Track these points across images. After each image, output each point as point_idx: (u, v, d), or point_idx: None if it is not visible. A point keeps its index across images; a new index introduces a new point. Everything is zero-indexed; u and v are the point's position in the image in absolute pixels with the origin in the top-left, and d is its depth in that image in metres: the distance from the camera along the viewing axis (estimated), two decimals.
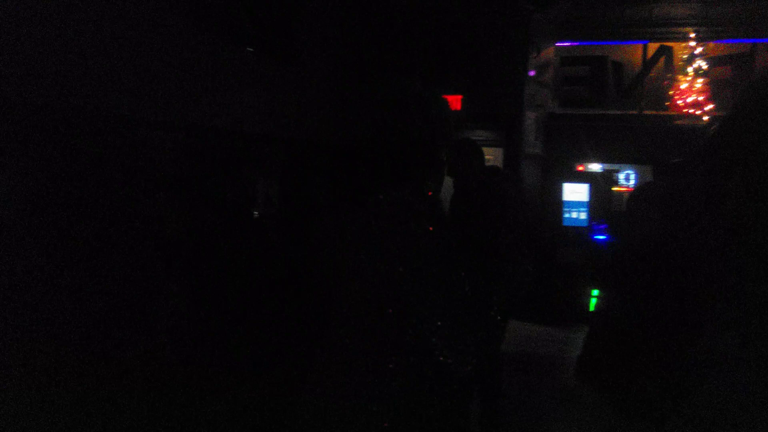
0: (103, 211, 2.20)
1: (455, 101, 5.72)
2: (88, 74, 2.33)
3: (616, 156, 6.67)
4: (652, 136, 6.38)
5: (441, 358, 1.47)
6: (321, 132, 4.87)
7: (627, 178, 6.96)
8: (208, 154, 3.10)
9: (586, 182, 5.92)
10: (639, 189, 2.43)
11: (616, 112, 6.75)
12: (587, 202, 5.80)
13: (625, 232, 2.36)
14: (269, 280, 2.80)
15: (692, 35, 6.45)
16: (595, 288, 5.08)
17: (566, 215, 5.87)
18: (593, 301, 5.06)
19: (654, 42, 6.78)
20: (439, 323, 1.44)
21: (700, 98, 6.38)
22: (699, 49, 6.43)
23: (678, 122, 6.43)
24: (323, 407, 1.49)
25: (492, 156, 6.09)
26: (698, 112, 6.36)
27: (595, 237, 5.60)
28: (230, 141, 3.33)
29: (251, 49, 4.33)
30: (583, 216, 5.80)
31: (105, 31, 2.42)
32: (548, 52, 6.81)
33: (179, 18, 3.21)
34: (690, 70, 6.47)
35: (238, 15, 3.88)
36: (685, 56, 6.53)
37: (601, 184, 6.01)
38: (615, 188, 6.76)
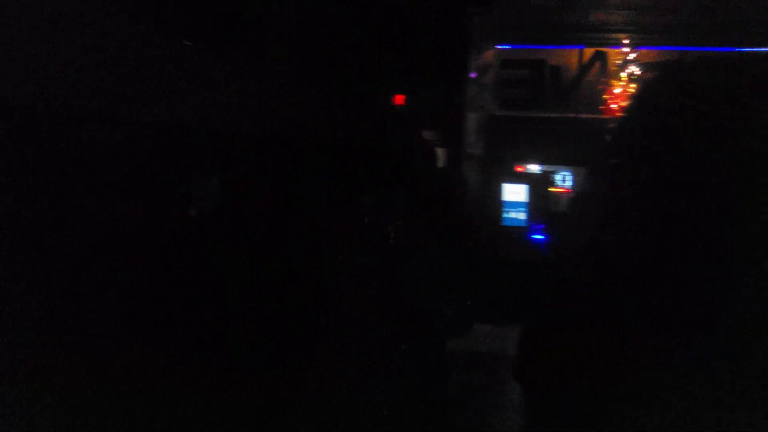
0: (23, 211, 2.07)
1: (399, 100, 5.73)
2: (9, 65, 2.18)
3: (553, 157, 6.84)
4: (588, 139, 6.57)
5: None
6: (272, 128, 4.76)
7: (564, 179, 7.15)
8: (140, 150, 2.97)
9: (525, 183, 6.05)
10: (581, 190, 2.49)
11: (554, 114, 6.93)
12: (526, 202, 5.93)
13: (567, 231, 2.41)
14: (203, 279, 2.71)
15: (625, 41, 6.69)
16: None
17: (506, 215, 5.98)
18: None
19: (590, 47, 6.99)
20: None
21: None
22: (632, 55, 6.68)
23: (613, 125, 6.64)
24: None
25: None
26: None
27: (534, 237, 5.73)
28: (164, 136, 3.21)
29: (189, 44, 4.20)
30: (522, 216, 5.92)
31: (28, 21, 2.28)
32: (489, 55, 6.91)
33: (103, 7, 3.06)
34: (624, 75, 6.71)
35: (181, 7, 3.74)
36: (619, 62, 6.77)
37: (539, 185, 6.15)
38: (552, 189, 6.93)
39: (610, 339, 0.79)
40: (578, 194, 6.60)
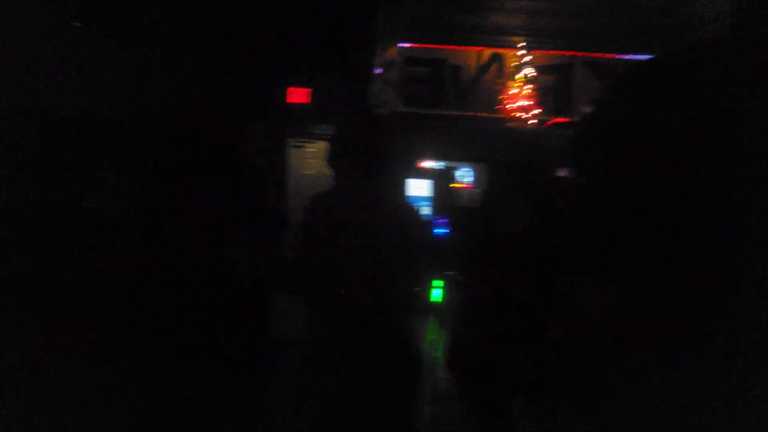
0: None
1: (304, 94, 5.66)
2: None
3: (454, 154, 7.04)
4: (487, 137, 6.82)
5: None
6: (173, 117, 4.53)
7: (465, 175, 7.38)
8: (27, 142, 2.74)
9: (429, 178, 6.18)
10: (498, 188, 2.56)
11: (454, 112, 7.13)
12: (430, 197, 6.06)
13: (485, 226, 2.48)
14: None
15: (521, 44, 7.00)
16: (436, 279, 5.30)
17: None
18: (434, 292, 5.28)
19: (488, 48, 7.25)
20: None
21: (528, 103, 6.95)
22: (527, 58, 7.00)
23: (509, 124, 6.95)
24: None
25: None
26: (526, 116, 6.93)
27: (437, 231, 5.86)
28: (54, 125, 2.97)
29: (78, 24, 3.91)
30: (427, 211, 6.05)
31: None
32: (392, 51, 6.99)
33: None
34: (519, 76, 7.02)
35: None
36: (515, 63, 7.07)
37: (442, 181, 6.30)
38: (453, 185, 7.13)
39: (525, 329, 0.82)
40: (484, 190, 6.85)
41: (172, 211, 2.73)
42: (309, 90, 5.71)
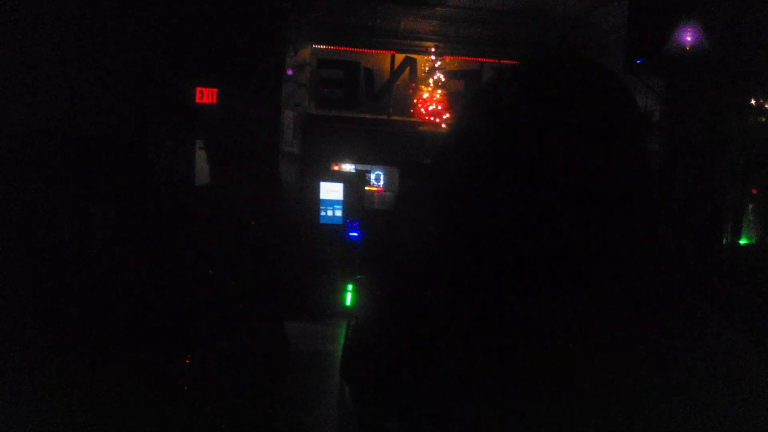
0: None
1: (210, 94, 5.49)
2: None
3: (367, 157, 7.06)
4: (399, 140, 6.89)
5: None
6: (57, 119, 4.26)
7: (377, 179, 7.41)
8: None
9: (341, 182, 6.15)
10: (406, 189, 2.57)
11: (367, 115, 7.15)
12: (342, 200, 6.04)
13: (391, 229, 2.48)
14: None
15: (432, 50, 7.12)
16: (349, 283, 5.29)
17: (323, 213, 6.03)
18: (347, 296, 5.27)
19: (400, 53, 7.33)
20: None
21: (439, 107, 7.07)
22: (438, 63, 7.13)
23: (421, 128, 7.05)
24: None
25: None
26: (438, 120, 7.05)
27: (350, 234, 5.86)
28: None
29: None
30: (339, 214, 6.03)
31: None
32: (305, 53, 6.92)
33: None
34: (431, 81, 7.14)
35: None
36: (426, 68, 7.18)
37: (354, 184, 6.30)
38: (367, 188, 7.15)
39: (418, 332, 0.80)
40: (396, 193, 6.89)
41: (71, 216, 2.59)
42: (215, 90, 5.54)
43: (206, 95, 5.75)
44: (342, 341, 4.92)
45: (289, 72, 6.33)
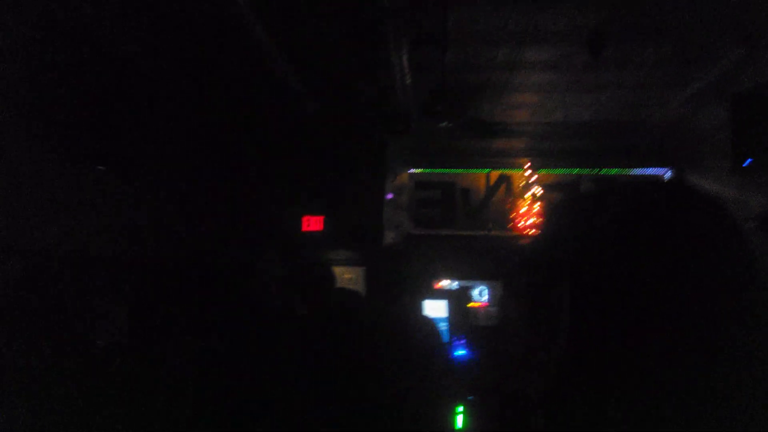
0: None
1: (318, 222, 5.82)
2: None
3: (468, 273, 7.06)
4: (499, 254, 6.87)
5: None
6: (173, 253, 4.66)
7: (480, 294, 7.33)
8: (49, 281, 2.83)
9: (444, 299, 6.13)
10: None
11: (465, 232, 7.25)
12: (447, 317, 5.98)
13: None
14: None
15: (527, 165, 7.24)
16: (460, 404, 5.11)
17: None
18: (457, 419, 5.07)
19: (495, 170, 7.51)
20: None
21: (538, 220, 7.06)
22: (534, 178, 7.21)
23: (521, 241, 7.01)
24: None
25: (353, 275, 6.16)
26: (537, 232, 6.99)
27: (456, 353, 5.74)
28: (74, 266, 3.08)
29: (102, 168, 4.14)
30: (444, 330, 5.95)
31: None
32: (403, 177, 7.26)
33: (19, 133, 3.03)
34: (527, 195, 7.20)
35: (83, 132, 3.74)
36: (522, 183, 7.27)
37: (457, 300, 6.25)
38: (470, 304, 7.07)
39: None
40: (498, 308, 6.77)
41: (185, 344, 2.75)
42: (322, 217, 5.89)
43: (313, 223, 6.11)
44: None
45: (389, 196, 6.63)
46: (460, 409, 4.97)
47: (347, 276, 5.97)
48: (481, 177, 7.61)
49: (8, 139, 2.95)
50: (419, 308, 2.76)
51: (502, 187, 7.46)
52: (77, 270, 3.16)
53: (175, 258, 4.56)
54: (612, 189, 0.76)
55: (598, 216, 0.72)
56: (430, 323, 2.63)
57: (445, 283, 6.92)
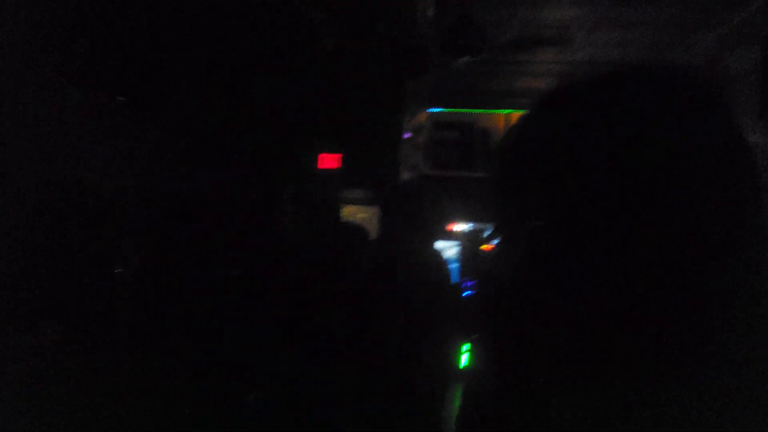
0: None
1: (335, 160, 5.82)
2: None
3: (483, 216, 7.05)
4: None
5: None
6: (187, 187, 4.71)
7: (491, 237, 7.35)
8: (64, 212, 2.89)
9: (458, 240, 6.18)
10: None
11: (482, 174, 7.19)
12: (459, 259, 6.05)
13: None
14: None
15: None
16: (465, 343, 5.21)
17: None
18: (461, 357, 5.18)
19: (515, 112, 7.36)
20: None
21: None
22: None
23: None
24: None
25: (367, 213, 6.21)
26: None
27: (465, 294, 5.81)
28: (89, 197, 3.14)
29: (123, 99, 4.14)
30: (455, 272, 6.02)
31: None
32: (421, 117, 7.16)
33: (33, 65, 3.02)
34: None
35: (102, 62, 3.71)
36: None
37: (469, 243, 6.29)
38: (482, 246, 7.10)
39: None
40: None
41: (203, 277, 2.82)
42: (340, 155, 5.87)
43: (327, 161, 6.09)
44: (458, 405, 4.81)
45: (407, 135, 6.57)
46: (466, 347, 5.08)
47: (361, 215, 6.02)
48: (501, 118, 7.48)
49: (26, 71, 2.95)
50: (431, 247, 2.78)
51: None
52: (95, 201, 3.23)
53: (193, 194, 4.62)
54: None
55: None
56: (439, 256, 2.79)
57: (459, 226, 6.93)
